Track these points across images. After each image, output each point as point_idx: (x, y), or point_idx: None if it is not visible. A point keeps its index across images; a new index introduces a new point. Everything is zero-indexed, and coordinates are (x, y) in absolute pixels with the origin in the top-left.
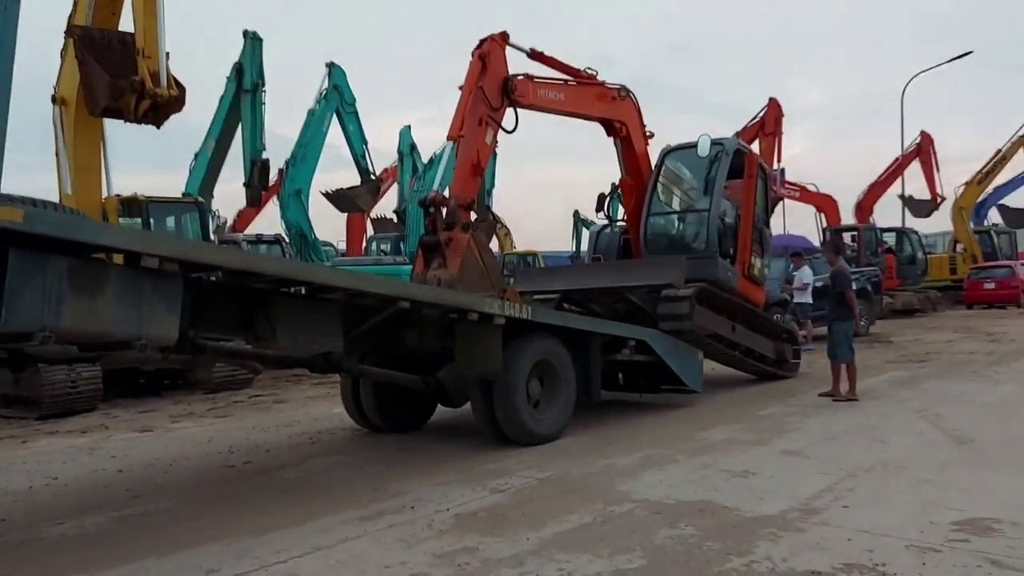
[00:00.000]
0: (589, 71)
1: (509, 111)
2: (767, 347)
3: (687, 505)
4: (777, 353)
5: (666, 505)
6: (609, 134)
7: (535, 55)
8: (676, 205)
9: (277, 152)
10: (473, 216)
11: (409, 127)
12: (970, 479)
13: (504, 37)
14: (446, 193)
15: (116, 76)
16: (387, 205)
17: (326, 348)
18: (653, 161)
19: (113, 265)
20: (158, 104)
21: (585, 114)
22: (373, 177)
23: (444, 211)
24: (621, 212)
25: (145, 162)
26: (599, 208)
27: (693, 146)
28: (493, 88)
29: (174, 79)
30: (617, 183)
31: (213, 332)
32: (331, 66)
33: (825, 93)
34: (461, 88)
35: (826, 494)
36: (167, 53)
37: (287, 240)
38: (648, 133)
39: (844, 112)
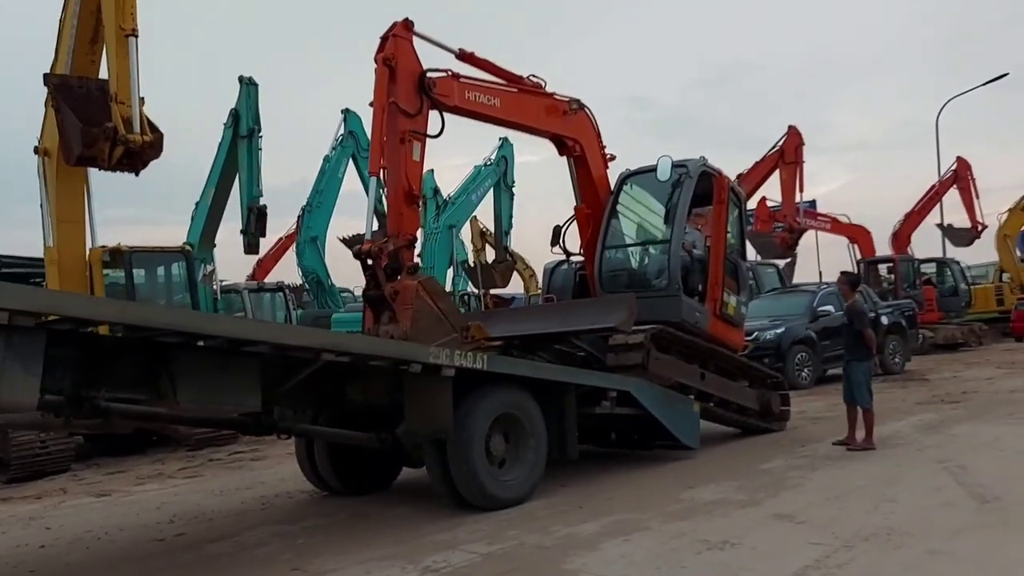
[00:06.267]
0: (534, 79)
1: (433, 115)
2: (747, 397)
3: None
4: (761, 403)
5: None
6: (561, 153)
7: (464, 56)
8: (637, 237)
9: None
10: (414, 260)
11: (432, 171)
12: (988, 548)
13: (407, 25)
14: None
15: (92, 124)
16: None
17: (241, 408)
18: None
19: None
20: (132, 150)
21: (529, 126)
22: None
23: (383, 261)
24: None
25: (181, 212)
26: (555, 241)
27: (654, 169)
28: (408, 90)
29: (150, 124)
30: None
31: (114, 392)
32: (347, 112)
33: (867, 125)
34: (372, 105)
35: (811, 572)
36: (142, 98)
37: (307, 287)
38: (608, 155)
39: (886, 143)
